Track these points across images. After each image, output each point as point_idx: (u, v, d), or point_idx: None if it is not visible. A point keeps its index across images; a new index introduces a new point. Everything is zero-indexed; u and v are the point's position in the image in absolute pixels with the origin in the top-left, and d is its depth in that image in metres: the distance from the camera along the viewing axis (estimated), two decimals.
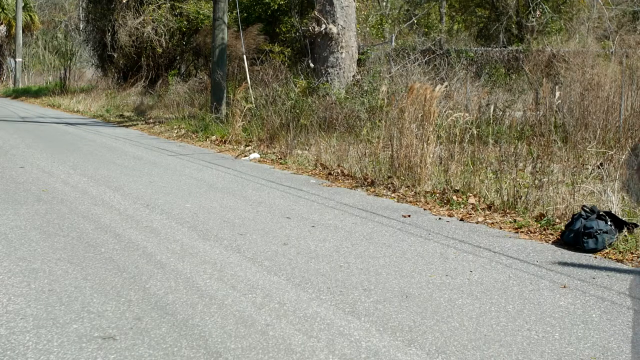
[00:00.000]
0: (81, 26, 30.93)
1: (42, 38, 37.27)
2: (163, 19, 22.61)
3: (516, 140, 9.98)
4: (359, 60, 15.79)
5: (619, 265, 5.56)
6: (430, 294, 4.70)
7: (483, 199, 7.64)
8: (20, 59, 34.08)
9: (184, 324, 4.02)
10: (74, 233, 6.09)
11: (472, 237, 6.35)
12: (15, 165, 9.88)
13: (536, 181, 7.51)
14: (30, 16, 36.12)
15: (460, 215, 7.22)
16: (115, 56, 24.67)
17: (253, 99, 14.06)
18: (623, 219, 6.26)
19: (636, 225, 6.17)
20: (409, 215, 7.24)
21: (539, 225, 6.65)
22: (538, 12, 20.87)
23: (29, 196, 7.66)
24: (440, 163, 8.73)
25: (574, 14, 22.16)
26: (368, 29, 19.26)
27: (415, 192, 8.18)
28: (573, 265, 5.53)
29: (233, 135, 13.28)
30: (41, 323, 3.96)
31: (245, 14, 19.01)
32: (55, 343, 3.69)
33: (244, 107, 13.50)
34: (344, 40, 14.86)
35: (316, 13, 15.01)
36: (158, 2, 22.86)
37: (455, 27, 28.22)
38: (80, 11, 32.73)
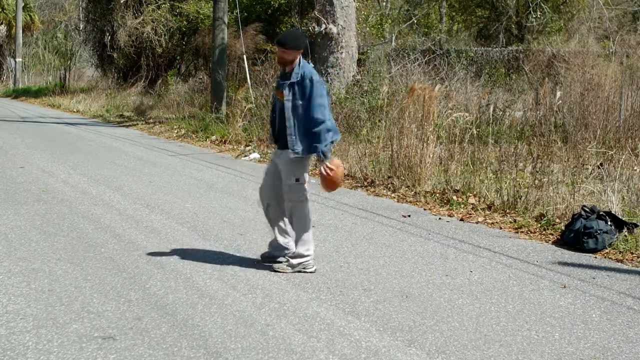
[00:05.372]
0: (81, 26, 30.88)
1: (42, 38, 37.17)
2: (163, 19, 22.59)
3: (516, 140, 9.99)
4: (359, 60, 15.77)
5: (619, 265, 5.56)
6: (430, 294, 4.70)
7: (483, 199, 7.63)
8: (20, 59, 34.01)
9: (184, 324, 4.02)
10: (74, 233, 6.09)
11: (472, 237, 6.35)
12: (15, 165, 9.88)
13: (536, 181, 7.51)
14: (30, 16, 36.06)
15: (460, 215, 7.22)
16: (115, 56, 24.64)
17: (253, 99, 14.06)
18: (623, 219, 6.26)
19: (636, 225, 6.18)
20: (409, 215, 7.24)
21: (539, 225, 6.65)
22: (538, 12, 20.88)
23: (29, 196, 7.66)
24: (440, 163, 8.73)
25: (574, 14, 22.17)
26: (368, 29, 19.23)
27: (415, 192, 8.18)
28: (573, 265, 5.53)
29: (233, 135, 13.28)
30: (41, 323, 3.96)
31: (245, 14, 19.01)
32: (55, 343, 3.69)
33: (244, 107, 13.49)
34: (344, 40, 14.84)
35: (316, 13, 15.00)
36: (158, 2, 22.84)
37: (455, 27, 28.23)
38: (80, 11, 32.67)
